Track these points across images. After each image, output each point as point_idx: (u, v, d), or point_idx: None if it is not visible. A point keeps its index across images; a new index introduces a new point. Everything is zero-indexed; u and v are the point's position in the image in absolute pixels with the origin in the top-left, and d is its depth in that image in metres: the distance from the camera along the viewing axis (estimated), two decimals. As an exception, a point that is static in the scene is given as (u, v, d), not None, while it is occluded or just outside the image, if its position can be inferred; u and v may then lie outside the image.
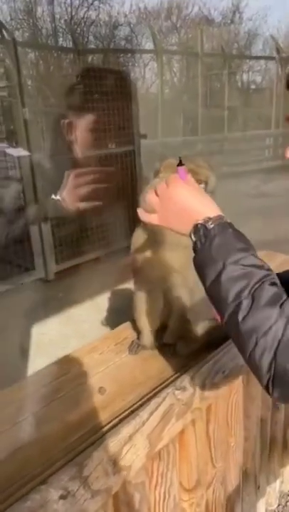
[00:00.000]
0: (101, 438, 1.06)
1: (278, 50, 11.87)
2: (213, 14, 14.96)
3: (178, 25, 14.02)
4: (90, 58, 8.20)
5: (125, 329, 1.64)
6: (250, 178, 7.08)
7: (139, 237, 1.43)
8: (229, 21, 15.43)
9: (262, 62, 13.63)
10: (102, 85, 3.85)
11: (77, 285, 3.52)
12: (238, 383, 1.40)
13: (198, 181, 1.29)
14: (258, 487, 1.72)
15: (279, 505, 1.92)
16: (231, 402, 1.40)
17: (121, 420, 1.15)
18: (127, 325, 1.67)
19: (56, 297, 3.34)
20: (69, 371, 1.41)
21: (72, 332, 2.64)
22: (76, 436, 1.13)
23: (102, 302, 2.87)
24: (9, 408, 1.24)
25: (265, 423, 1.64)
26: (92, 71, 3.99)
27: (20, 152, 3.60)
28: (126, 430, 1.06)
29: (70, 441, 1.11)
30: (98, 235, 3.93)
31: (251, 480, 1.66)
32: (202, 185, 1.31)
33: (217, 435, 1.36)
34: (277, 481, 1.87)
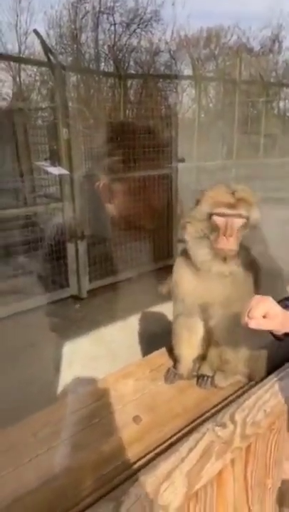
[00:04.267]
0: (137, 472, 1.02)
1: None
2: (252, 43, 15.10)
3: (216, 53, 14.20)
4: (130, 83, 8.39)
5: (161, 356, 1.61)
6: (287, 206, 6.96)
7: (181, 266, 1.40)
8: (268, 50, 15.55)
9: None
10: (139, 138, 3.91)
11: (108, 304, 3.51)
12: (278, 422, 1.33)
13: (238, 216, 1.24)
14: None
15: None
16: (271, 443, 1.32)
17: (157, 454, 1.11)
18: (163, 351, 1.63)
19: (88, 315, 3.34)
20: (103, 396, 1.38)
21: (103, 352, 2.61)
22: (110, 468, 1.09)
23: (133, 323, 2.84)
24: (43, 432, 1.22)
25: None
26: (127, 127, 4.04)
27: (61, 171, 3.67)
28: (164, 466, 1.01)
29: (103, 472, 1.08)
30: (132, 255, 3.94)
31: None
32: (243, 220, 1.25)
33: (255, 476, 1.29)
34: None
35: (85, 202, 3.71)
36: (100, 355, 2.56)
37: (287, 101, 14.59)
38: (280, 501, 1.45)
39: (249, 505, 1.30)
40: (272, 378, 1.36)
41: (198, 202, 1.31)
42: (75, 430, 1.23)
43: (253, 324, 1.04)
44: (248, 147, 10.58)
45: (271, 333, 1.16)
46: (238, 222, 1.25)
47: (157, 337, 1.90)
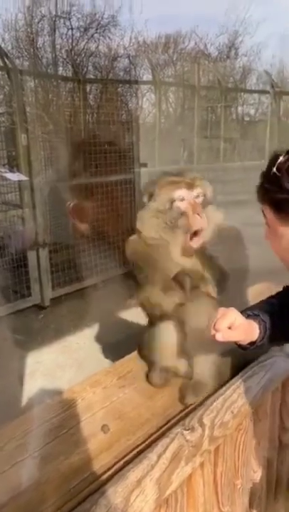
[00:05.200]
0: (107, 483, 1.00)
1: (272, 85, 12.22)
2: (209, 49, 15.42)
3: (174, 58, 14.40)
4: (89, 88, 8.35)
5: (128, 362, 1.59)
6: (246, 208, 7.13)
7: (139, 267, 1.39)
8: (225, 56, 15.92)
9: (256, 95, 14.00)
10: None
11: (73, 312, 3.46)
12: (245, 423, 1.35)
13: (198, 194, 1.31)
14: (263, 532, 1.64)
15: None
16: (239, 443, 1.34)
17: (127, 462, 1.09)
18: (130, 357, 1.62)
19: (52, 324, 3.27)
20: (70, 406, 1.35)
21: (69, 362, 2.57)
22: (79, 480, 1.07)
23: (99, 331, 2.82)
24: (7, 446, 1.18)
25: (271, 464, 1.58)
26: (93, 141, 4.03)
27: (20, 177, 3.59)
28: (134, 474, 1.00)
29: (72, 484, 1.05)
30: (96, 261, 3.90)
31: (256, 524, 1.59)
32: (201, 197, 1.32)
33: (224, 478, 1.30)
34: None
35: (46, 208, 3.65)
36: (66, 364, 2.53)
37: (245, 106, 14.98)
38: (250, 503, 1.47)
39: (220, 506, 1.31)
40: (238, 379, 1.37)
41: (151, 196, 1.33)
42: (42, 443, 1.20)
43: (220, 336, 1.05)
44: (209, 151, 10.77)
45: (236, 343, 1.17)
46: (200, 199, 1.32)
47: (124, 344, 1.88)
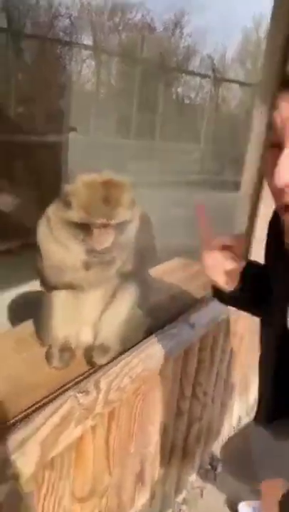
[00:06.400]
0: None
1: (213, 70, 12.37)
2: (155, 23, 15.18)
3: (120, 28, 14.00)
4: (24, 44, 7.84)
5: (31, 325, 1.51)
6: (178, 189, 7.21)
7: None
8: (170, 33, 15.79)
9: (197, 79, 14.09)
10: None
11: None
12: (143, 388, 1.35)
13: (114, 225, 1.14)
14: (154, 496, 1.68)
15: (173, 513, 1.91)
16: (135, 408, 1.34)
17: (12, 425, 1.03)
18: (29, 324, 1.53)
19: None
20: None
21: None
22: None
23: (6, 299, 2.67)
24: None
25: (166, 430, 1.61)
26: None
27: None
28: (15, 437, 0.95)
29: None
30: (15, 226, 3.70)
31: (147, 489, 1.62)
32: (119, 225, 1.17)
33: (117, 442, 1.30)
34: (172, 490, 1.85)
35: None
36: None
37: (186, 87, 15.03)
38: (142, 467, 1.48)
39: (110, 470, 1.30)
40: (141, 345, 1.36)
41: (67, 203, 1.18)
42: None
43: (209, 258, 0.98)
44: (145, 128, 10.69)
45: (213, 287, 1.08)
46: (111, 232, 1.18)
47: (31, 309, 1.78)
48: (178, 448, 1.76)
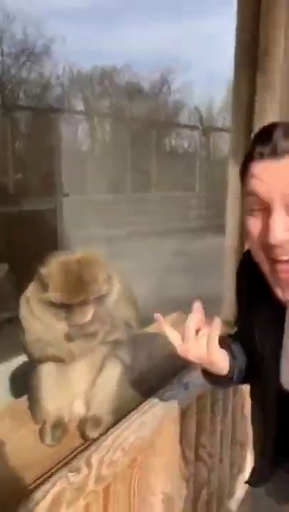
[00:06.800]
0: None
1: (201, 120, 12.91)
2: (142, 84, 16.01)
3: (109, 91, 14.78)
4: (19, 115, 8.29)
5: (25, 403, 1.51)
6: (173, 237, 7.32)
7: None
8: (158, 91, 16.61)
9: (188, 130, 14.67)
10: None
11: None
12: (139, 459, 1.33)
13: (89, 302, 1.18)
14: None
15: None
16: (133, 482, 1.31)
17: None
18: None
19: None
20: None
21: None
22: None
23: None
24: None
25: (170, 499, 1.56)
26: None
27: None
28: (6, 525, 0.94)
29: None
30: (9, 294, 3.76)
31: None
32: (95, 302, 1.21)
33: (117, 519, 1.26)
34: None
35: None
36: None
37: (178, 139, 15.62)
38: None
39: None
40: (133, 415, 1.36)
41: (44, 285, 1.22)
42: None
43: (186, 351, 0.98)
44: (141, 181, 11.01)
45: (203, 370, 1.07)
46: (90, 307, 1.22)
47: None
48: (187, 516, 1.69)
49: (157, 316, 1.02)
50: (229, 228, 2.15)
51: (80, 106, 12.49)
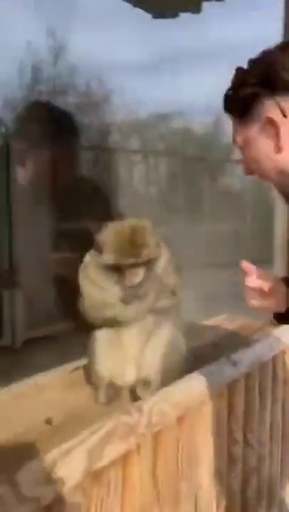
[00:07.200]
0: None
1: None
2: (196, 126, 16.51)
3: (165, 133, 15.40)
4: (84, 155, 8.86)
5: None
6: (229, 268, 7.31)
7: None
8: (211, 133, 17.04)
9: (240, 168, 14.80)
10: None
11: (45, 355, 3.44)
12: (188, 419, 1.39)
13: (141, 263, 1.32)
14: None
15: None
16: (181, 438, 1.37)
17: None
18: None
19: (21, 366, 3.25)
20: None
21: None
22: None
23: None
24: None
25: (219, 474, 1.58)
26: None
27: None
28: (64, 446, 1.04)
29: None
30: (73, 304, 3.93)
31: None
32: (147, 265, 1.34)
33: (164, 476, 1.31)
34: None
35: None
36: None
37: (233, 177, 15.76)
38: None
39: (160, 504, 1.30)
40: (182, 379, 1.43)
41: (99, 249, 1.36)
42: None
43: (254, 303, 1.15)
44: (194, 215, 11.14)
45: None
46: (140, 270, 1.35)
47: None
48: (236, 500, 1.68)
49: (246, 265, 1.14)
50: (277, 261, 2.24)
51: (136, 147, 13.12)
